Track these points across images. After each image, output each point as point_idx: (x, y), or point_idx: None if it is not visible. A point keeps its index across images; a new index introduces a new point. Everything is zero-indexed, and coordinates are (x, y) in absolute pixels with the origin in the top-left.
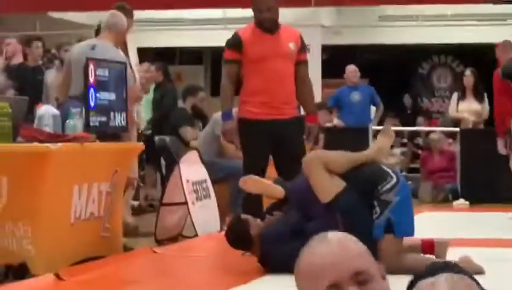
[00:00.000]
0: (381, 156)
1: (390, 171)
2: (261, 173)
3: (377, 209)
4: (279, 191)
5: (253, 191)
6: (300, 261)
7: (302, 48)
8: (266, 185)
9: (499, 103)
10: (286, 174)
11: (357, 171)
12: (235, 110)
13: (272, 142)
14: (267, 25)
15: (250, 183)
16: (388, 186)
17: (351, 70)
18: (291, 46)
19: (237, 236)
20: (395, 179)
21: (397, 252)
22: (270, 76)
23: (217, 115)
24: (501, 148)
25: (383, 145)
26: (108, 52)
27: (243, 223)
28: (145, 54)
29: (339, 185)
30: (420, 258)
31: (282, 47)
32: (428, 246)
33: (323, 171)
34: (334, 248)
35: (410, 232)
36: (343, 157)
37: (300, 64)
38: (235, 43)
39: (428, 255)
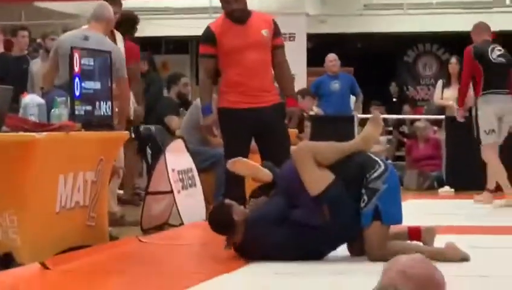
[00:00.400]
0: (369, 145)
1: (378, 159)
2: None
3: (365, 197)
4: (267, 174)
5: (241, 172)
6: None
7: (277, 33)
8: (255, 167)
9: (466, 76)
10: (272, 161)
11: (346, 161)
12: (214, 97)
13: (253, 131)
14: (236, 15)
15: (239, 164)
16: (376, 174)
17: (331, 59)
18: (264, 33)
19: (220, 220)
20: (383, 167)
21: (383, 239)
22: (246, 66)
23: (197, 102)
24: (460, 118)
25: (371, 134)
26: (103, 43)
27: (226, 207)
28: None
29: (328, 177)
30: (408, 245)
31: (255, 36)
32: (414, 233)
33: (313, 163)
34: None
35: (399, 220)
36: (331, 149)
37: (277, 49)
38: (208, 37)
39: (415, 242)
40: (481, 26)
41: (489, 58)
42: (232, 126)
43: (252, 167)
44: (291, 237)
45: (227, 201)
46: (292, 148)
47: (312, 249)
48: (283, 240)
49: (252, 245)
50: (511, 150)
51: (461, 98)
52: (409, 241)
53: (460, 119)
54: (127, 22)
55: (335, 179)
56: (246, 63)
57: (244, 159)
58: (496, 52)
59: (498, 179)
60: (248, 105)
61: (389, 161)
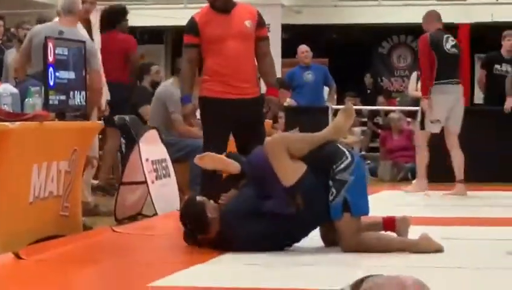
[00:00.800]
0: (340, 135)
1: (345, 150)
2: (221, 151)
3: (333, 189)
4: (235, 166)
5: (209, 167)
6: None
7: (260, 25)
8: (222, 161)
9: (426, 65)
10: (246, 150)
11: (315, 151)
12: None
13: (232, 122)
14: (220, 5)
15: (207, 159)
16: (343, 165)
17: (303, 50)
18: (248, 24)
19: (194, 219)
20: (349, 159)
21: (356, 231)
22: (227, 56)
23: (161, 91)
24: (425, 107)
25: (342, 125)
26: (78, 37)
27: (199, 205)
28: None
29: (300, 168)
30: (382, 236)
31: (237, 26)
32: (389, 224)
33: (286, 155)
34: None
35: (366, 212)
36: (304, 141)
37: (260, 40)
38: (192, 27)
39: (389, 233)
40: (433, 15)
41: (443, 49)
42: (211, 115)
43: (219, 161)
44: (266, 227)
45: (198, 198)
46: (266, 139)
47: (286, 237)
48: (258, 231)
49: (227, 240)
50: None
51: (425, 88)
52: (383, 232)
53: (426, 108)
54: (116, 15)
55: (307, 169)
56: (227, 52)
57: (212, 154)
58: (450, 43)
59: (419, 167)
60: (229, 96)
61: (363, 152)
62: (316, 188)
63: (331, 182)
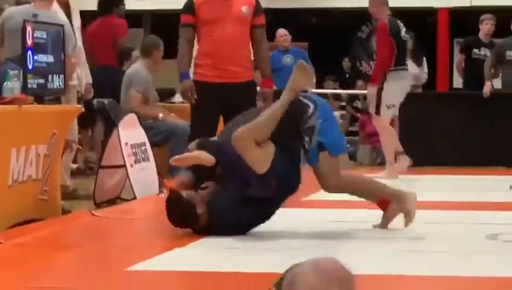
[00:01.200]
0: (297, 91)
1: (307, 101)
2: (210, 135)
3: (306, 138)
4: (209, 159)
5: (185, 165)
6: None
7: (258, 11)
8: (195, 158)
9: (385, 51)
10: None
11: (279, 123)
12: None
13: (222, 106)
14: None
15: (181, 161)
16: (308, 115)
17: (281, 34)
18: (244, 9)
19: (184, 218)
20: (312, 106)
21: (336, 169)
22: (220, 39)
23: (130, 71)
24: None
25: (298, 82)
26: (54, 20)
27: (188, 204)
28: (86, 17)
29: (270, 153)
30: (365, 178)
31: (234, 10)
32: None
33: (254, 146)
34: None
35: (343, 149)
36: (266, 122)
37: (256, 28)
38: (189, 6)
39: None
40: (381, 0)
41: (401, 35)
42: (201, 99)
43: (192, 159)
44: (252, 213)
45: (186, 196)
46: (232, 137)
47: (265, 218)
48: (246, 218)
49: (215, 228)
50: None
51: (378, 75)
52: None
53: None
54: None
55: (276, 149)
56: (221, 35)
57: (184, 155)
58: (403, 29)
59: (388, 151)
60: (220, 80)
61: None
62: (289, 169)
63: (303, 134)
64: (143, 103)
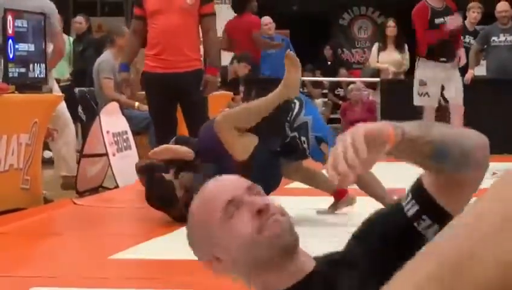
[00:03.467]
0: (294, 91)
1: (294, 99)
2: (169, 125)
3: (302, 138)
4: (187, 152)
5: (163, 157)
6: (194, 199)
7: (204, 1)
8: (174, 150)
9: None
10: (190, 125)
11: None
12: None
13: (170, 96)
14: None
15: (159, 152)
16: (295, 112)
17: (266, 22)
18: (189, 0)
19: (163, 200)
20: (298, 103)
21: None
22: (164, 30)
23: (99, 60)
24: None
25: (293, 79)
26: (25, 1)
27: (169, 186)
28: (65, 5)
29: (251, 142)
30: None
31: (177, 1)
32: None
33: (235, 132)
34: (223, 177)
35: (335, 141)
36: (253, 112)
37: (204, 17)
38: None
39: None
40: None
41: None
42: (151, 91)
43: (171, 151)
44: None
45: (167, 177)
46: (216, 119)
47: None
48: None
49: None
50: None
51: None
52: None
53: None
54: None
55: (258, 141)
56: (166, 25)
57: (163, 146)
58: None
59: None
60: (164, 70)
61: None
62: (269, 161)
63: (295, 134)
64: (116, 90)
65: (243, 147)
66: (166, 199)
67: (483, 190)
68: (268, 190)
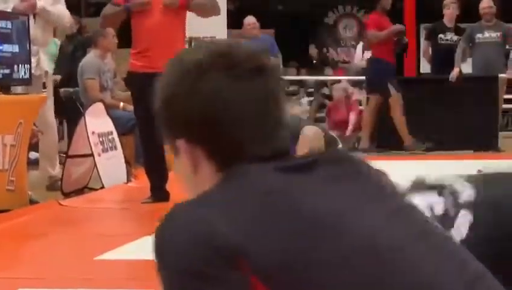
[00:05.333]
0: None
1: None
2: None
3: None
4: None
5: None
6: None
7: None
8: None
9: None
10: None
11: None
12: None
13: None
14: None
15: None
16: None
17: (250, 22)
18: None
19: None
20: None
21: None
22: (147, 28)
23: (83, 61)
24: None
25: None
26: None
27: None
28: None
29: None
30: None
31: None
32: None
33: None
34: None
35: None
36: None
37: (191, 6)
38: None
39: None
40: None
41: None
42: (133, 91)
43: None
44: None
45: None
46: (308, 131)
47: None
48: None
49: None
50: None
51: None
52: None
53: None
54: None
55: None
56: (148, 25)
57: None
58: None
59: None
60: (147, 70)
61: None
62: None
63: None
64: (100, 91)
65: None
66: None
67: None
68: None
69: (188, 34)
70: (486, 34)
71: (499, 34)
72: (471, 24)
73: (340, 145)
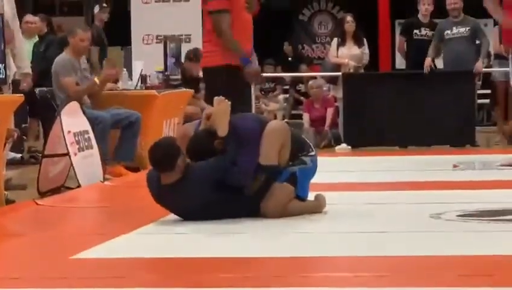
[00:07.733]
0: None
1: (311, 144)
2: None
3: (290, 163)
4: (224, 130)
5: (216, 113)
6: None
7: None
8: (226, 118)
9: None
10: None
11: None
12: None
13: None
14: None
15: (222, 106)
16: (310, 153)
17: None
18: None
19: (163, 154)
20: (314, 152)
21: (287, 201)
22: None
23: (55, 61)
24: None
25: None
26: None
27: (176, 149)
28: (24, 5)
29: (276, 161)
30: (299, 203)
31: None
32: None
33: (278, 147)
34: None
35: (306, 195)
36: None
37: (206, 15)
38: None
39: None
40: None
41: None
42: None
43: (225, 115)
44: (219, 198)
45: (177, 143)
46: (274, 124)
47: (229, 211)
48: (211, 200)
49: (180, 193)
50: None
51: None
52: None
53: None
54: None
55: (279, 166)
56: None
57: (227, 104)
58: None
59: None
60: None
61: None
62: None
63: (290, 163)
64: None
65: (273, 156)
66: (166, 161)
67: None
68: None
69: (162, 32)
70: (455, 30)
71: (467, 29)
72: (442, 20)
73: (310, 146)
